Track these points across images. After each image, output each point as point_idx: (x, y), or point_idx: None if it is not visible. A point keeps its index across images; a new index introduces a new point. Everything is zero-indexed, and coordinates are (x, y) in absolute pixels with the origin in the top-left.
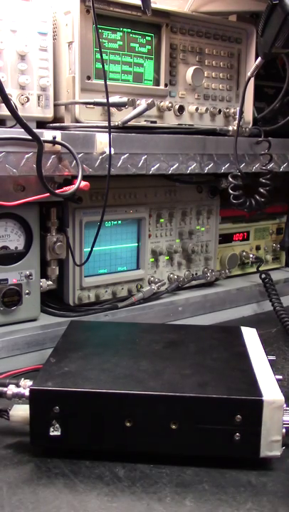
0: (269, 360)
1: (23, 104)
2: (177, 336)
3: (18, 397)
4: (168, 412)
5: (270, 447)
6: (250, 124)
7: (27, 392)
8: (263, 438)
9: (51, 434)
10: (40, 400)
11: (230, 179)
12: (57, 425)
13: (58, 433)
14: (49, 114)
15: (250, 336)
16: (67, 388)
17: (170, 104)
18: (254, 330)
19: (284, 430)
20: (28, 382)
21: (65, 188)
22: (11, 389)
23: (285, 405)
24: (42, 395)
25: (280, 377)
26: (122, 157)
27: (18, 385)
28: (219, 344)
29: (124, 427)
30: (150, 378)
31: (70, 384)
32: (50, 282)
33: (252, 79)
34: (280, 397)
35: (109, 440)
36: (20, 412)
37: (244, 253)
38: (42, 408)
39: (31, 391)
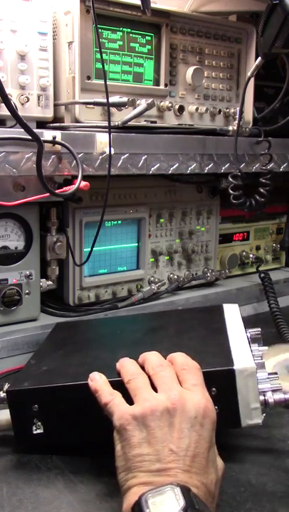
0: (250, 333)
1: (23, 104)
2: (159, 322)
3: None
4: None
5: (250, 416)
6: (250, 124)
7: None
8: (241, 407)
9: (34, 432)
10: (18, 400)
11: (230, 179)
12: (39, 423)
13: (41, 431)
14: (49, 114)
15: (231, 312)
16: (43, 385)
17: (170, 104)
18: (236, 306)
19: (262, 397)
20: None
21: (65, 188)
22: None
23: (266, 374)
24: (19, 396)
25: (266, 348)
26: (122, 157)
27: None
28: (199, 323)
29: (105, 417)
30: None
31: (46, 381)
32: (50, 282)
33: (252, 79)
34: (251, 364)
35: (91, 432)
36: (4, 416)
37: (244, 253)
38: (21, 408)
39: (8, 393)
